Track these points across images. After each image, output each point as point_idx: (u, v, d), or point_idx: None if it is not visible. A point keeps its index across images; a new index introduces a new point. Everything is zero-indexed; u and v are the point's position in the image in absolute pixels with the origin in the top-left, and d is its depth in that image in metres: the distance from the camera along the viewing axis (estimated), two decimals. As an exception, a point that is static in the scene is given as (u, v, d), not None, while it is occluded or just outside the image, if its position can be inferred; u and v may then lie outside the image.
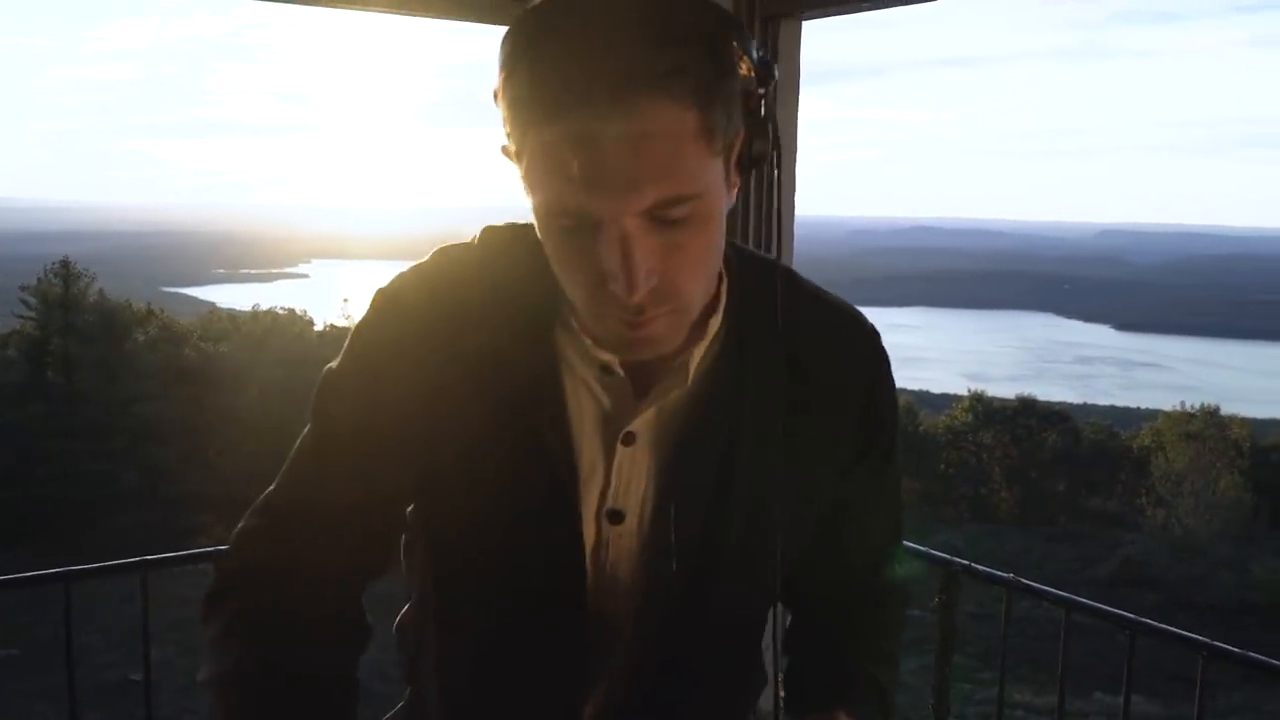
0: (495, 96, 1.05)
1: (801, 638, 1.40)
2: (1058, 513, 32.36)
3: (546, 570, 1.21)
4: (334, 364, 1.24)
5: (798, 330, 1.21)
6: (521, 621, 1.24)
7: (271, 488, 1.25)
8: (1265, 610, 23.93)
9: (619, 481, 1.21)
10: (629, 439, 1.19)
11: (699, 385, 1.19)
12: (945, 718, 3.33)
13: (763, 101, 1.07)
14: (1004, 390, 39.31)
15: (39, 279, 31.48)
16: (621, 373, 1.17)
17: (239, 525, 1.24)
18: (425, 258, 1.24)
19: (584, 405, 1.19)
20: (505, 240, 1.22)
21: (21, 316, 31.69)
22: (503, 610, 1.24)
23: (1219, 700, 16.74)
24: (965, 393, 37.80)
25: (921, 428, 35.17)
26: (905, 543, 3.01)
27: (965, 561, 3.01)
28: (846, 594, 1.38)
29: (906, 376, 54.14)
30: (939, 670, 3.22)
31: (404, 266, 1.24)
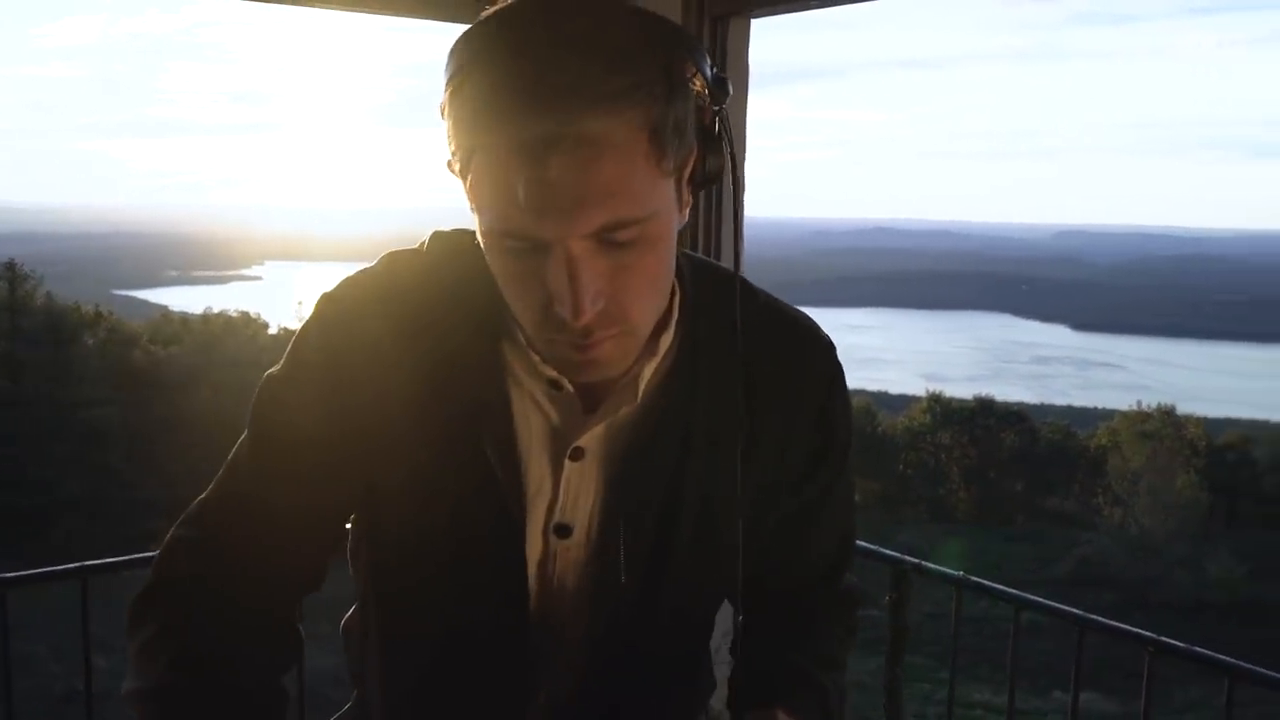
0: (441, 111, 1.01)
1: (749, 640, 1.34)
2: (1015, 512, 32.61)
3: (490, 585, 1.19)
4: (275, 369, 1.20)
5: (752, 343, 1.18)
6: (464, 633, 1.22)
7: (204, 495, 1.21)
8: (1221, 608, 24.23)
9: (567, 497, 1.19)
10: (577, 454, 1.17)
11: (650, 400, 1.17)
12: (898, 718, 3.28)
13: (717, 120, 1.04)
14: (962, 391, 39.55)
15: (-18, 282, 30.95)
16: (570, 388, 1.14)
17: (170, 533, 1.20)
18: (372, 263, 1.21)
19: (532, 420, 1.17)
20: (454, 247, 1.18)
21: (-36, 320, 31.14)
22: (445, 622, 1.23)
23: (1175, 697, 16.90)
24: (923, 394, 38.00)
25: (880, 429, 35.37)
26: (858, 542, 2.95)
27: (915, 560, 3.01)
28: (797, 600, 1.37)
29: (864, 377, 54.41)
30: (890, 670, 3.20)
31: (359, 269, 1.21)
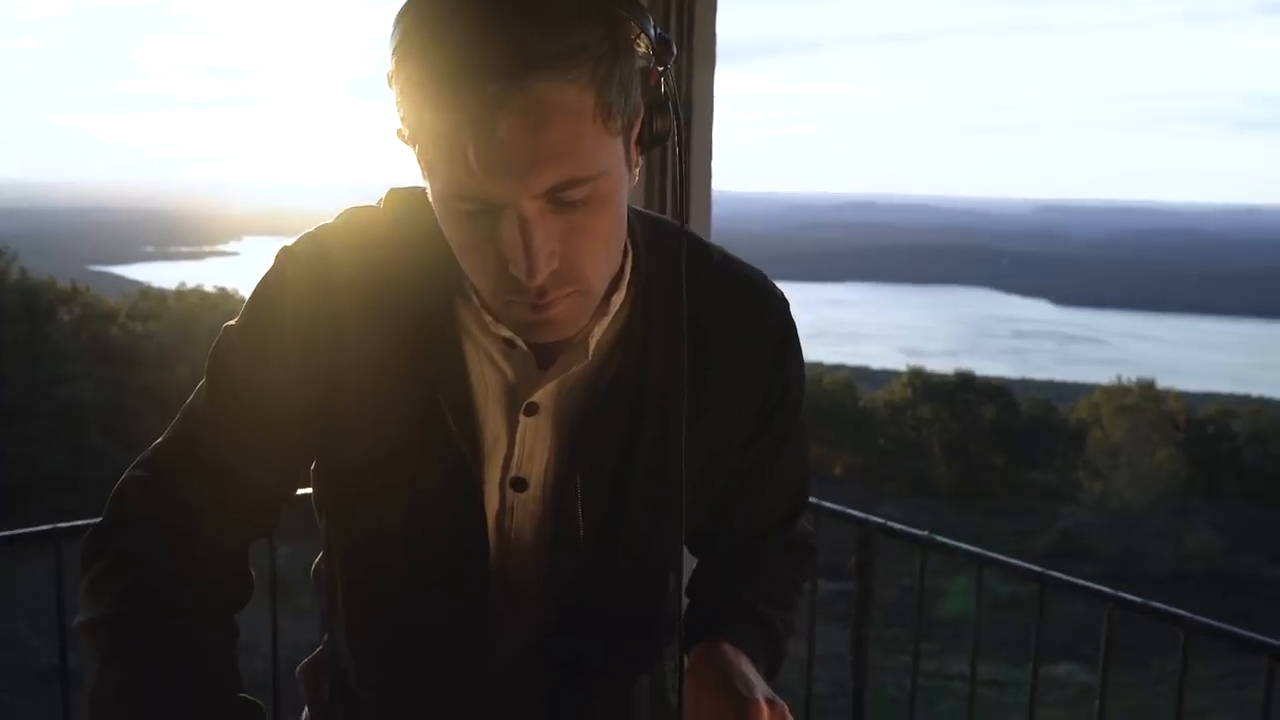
0: (388, 80, 1.03)
1: (701, 579, 1.42)
2: (996, 486, 32.75)
3: (448, 536, 1.22)
4: (233, 321, 1.23)
5: (703, 299, 1.22)
6: (424, 583, 1.25)
7: (159, 440, 1.23)
8: (1200, 580, 24.46)
9: (522, 451, 1.22)
10: (531, 409, 1.20)
11: (603, 358, 1.20)
12: (865, 681, 3.32)
13: (663, 79, 1.06)
14: (942, 365, 39.65)
15: (-44, 257, 30.67)
16: (524, 346, 1.16)
17: (124, 475, 1.22)
18: (330, 219, 1.23)
19: (487, 376, 1.20)
20: (411, 204, 1.20)
21: (-64, 296, 30.87)
22: (405, 572, 1.26)
23: (1152, 668, 17.08)
24: (904, 368, 38.08)
25: (860, 403, 35.46)
26: (826, 504, 2.99)
27: (881, 520, 3.08)
28: (751, 545, 1.41)
29: (845, 352, 54.49)
30: (856, 631, 3.28)
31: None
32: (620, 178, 1.06)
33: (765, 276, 1.32)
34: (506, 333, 1.16)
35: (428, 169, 1.05)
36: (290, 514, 1.38)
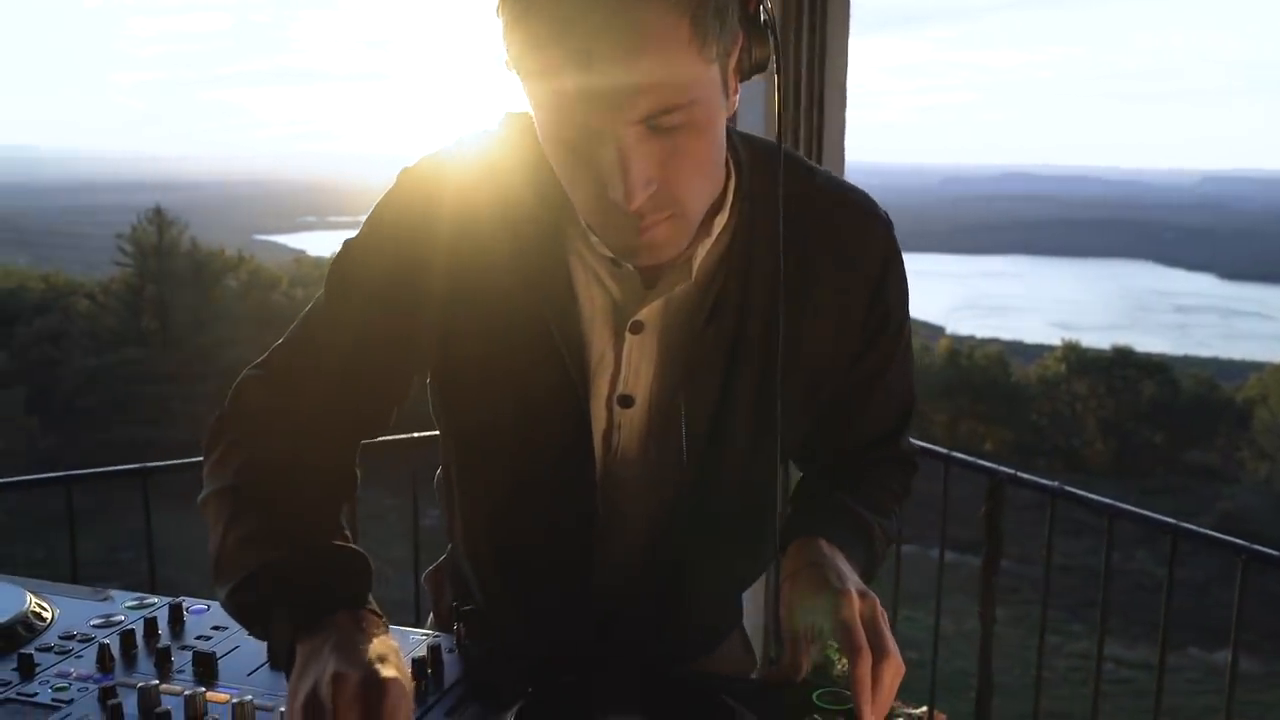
0: (496, 11, 1.06)
1: (803, 488, 1.46)
2: (1154, 465, 31.69)
3: (556, 450, 1.27)
4: (354, 236, 1.29)
5: (807, 220, 1.25)
6: (532, 496, 1.31)
7: (277, 343, 1.31)
8: (1372, 568, 23.26)
9: (628, 369, 1.26)
10: (637, 328, 1.24)
11: (707, 278, 1.23)
12: (991, 625, 3.34)
13: (761, 7, 1.09)
14: (1099, 340, 38.48)
15: (133, 227, 32.13)
16: (630, 266, 1.20)
17: (242, 373, 1.30)
18: (450, 143, 1.28)
19: (594, 295, 1.24)
20: (524, 128, 1.23)
21: (119, 264, 32.39)
22: (514, 485, 1.32)
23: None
24: (1059, 342, 37.08)
25: (1013, 378, 34.67)
26: (956, 454, 2.98)
27: (1010, 470, 3.08)
28: (853, 459, 1.45)
29: (998, 325, 53.24)
30: (985, 577, 3.25)
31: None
32: (717, 104, 1.07)
33: (870, 198, 1.33)
34: (611, 253, 1.20)
35: (532, 99, 1.09)
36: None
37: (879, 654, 1.12)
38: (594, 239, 1.20)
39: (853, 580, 1.19)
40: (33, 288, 34.93)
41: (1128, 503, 2.95)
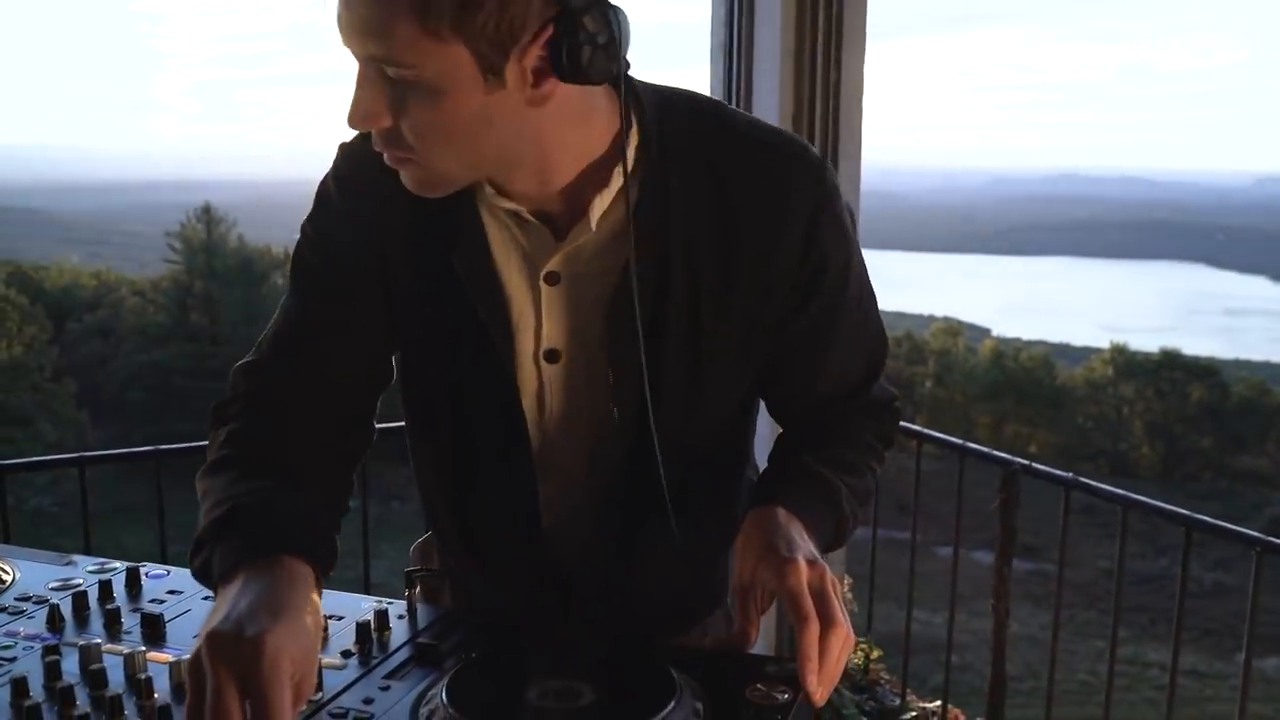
0: None
1: (774, 450, 1.42)
2: (1202, 470, 31.26)
3: (492, 413, 1.31)
4: (305, 217, 1.34)
5: (729, 168, 1.24)
6: (476, 464, 1.35)
7: (264, 333, 1.36)
8: None
9: (549, 322, 1.27)
10: (552, 279, 1.25)
11: (618, 227, 1.22)
12: (1005, 619, 3.34)
13: (587, 19, 1.08)
14: (1147, 343, 37.95)
15: (181, 224, 32.52)
16: (530, 217, 1.23)
17: (235, 365, 1.35)
18: None
19: (509, 248, 1.26)
20: None
21: (168, 261, 32.79)
22: (460, 454, 1.36)
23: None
24: (1106, 345, 36.66)
25: (1058, 380, 34.34)
26: (970, 445, 2.95)
27: (1024, 461, 3.11)
28: (824, 414, 1.41)
29: (1044, 327, 52.72)
30: (999, 568, 3.23)
31: None
32: (463, 82, 1.09)
33: (799, 140, 1.32)
34: (511, 205, 1.22)
35: None
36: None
37: (827, 623, 1.10)
38: (489, 190, 1.23)
39: (803, 549, 1.17)
40: (84, 284, 35.43)
41: (1174, 506, 2.92)
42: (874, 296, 1.40)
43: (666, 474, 1.26)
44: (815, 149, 1.31)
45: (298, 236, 1.34)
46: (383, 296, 1.30)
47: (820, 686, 1.09)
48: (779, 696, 1.08)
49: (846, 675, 3.88)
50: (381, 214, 1.27)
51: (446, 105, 1.10)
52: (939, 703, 3.76)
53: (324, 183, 1.33)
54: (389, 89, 1.10)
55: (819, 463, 1.33)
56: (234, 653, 0.94)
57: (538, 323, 1.27)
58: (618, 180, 1.21)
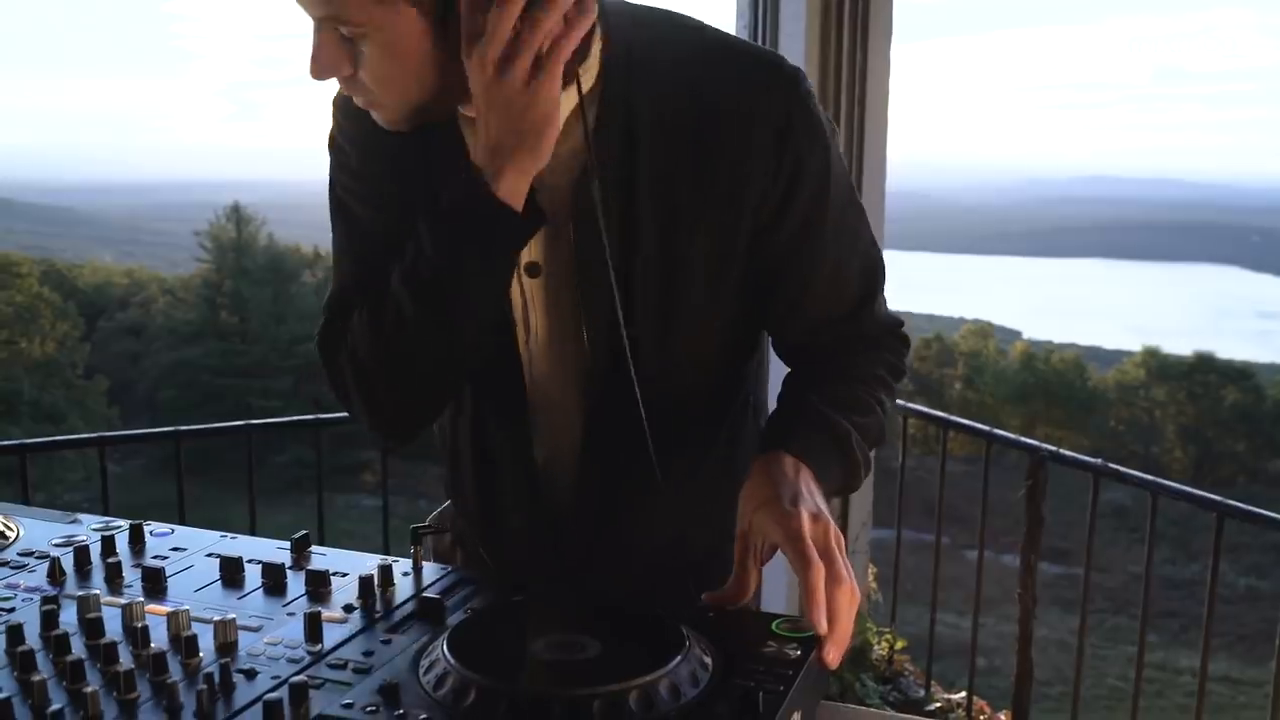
0: None
1: (782, 389, 1.38)
2: (1235, 474, 30.95)
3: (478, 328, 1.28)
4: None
5: (702, 76, 1.23)
6: (473, 387, 1.37)
7: (327, 293, 1.39)
8: None
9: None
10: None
11: (580, 144, 1.21)
12: (1032, 607, 3.24)
13: None
14: (1180, 346, 37.61)
15: (210, 223, 32.73)
16: None
17: (319, 330, 1.37)
18: None
19: None
20: None
21: (199, 260, 33.02)
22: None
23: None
24: (1138, 348, 36.36)
25: (1090, 383, 34.09)
26: (997, 431, 2.95)
27: (1052, 448, 3.11)
28: (826, 344, 1.38)
29: (1075, 330, 52.38)
30: (1025, 556, 3.21)
31: None
32: (413, 38, 1.13)
33: (773, 52, 1.31)
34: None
35: None
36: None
37: (832, 580, 1.07)
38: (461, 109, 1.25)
39: (808, 502, 1.14)
40: (116, 283, 35.72)
41: (1208, 512, 2.87)
42: (862, 211, 1.37)
43: (649, 407, 1.24)
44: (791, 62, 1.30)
45: (328, 196, 1.38)
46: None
47: (833, 646, 1.06)
48: (791, 653, 1.05)
49: (870, 665, 3.85)
50: (382, 143, 1.28)
51: (399, 56, 1.15)
52: (963, 694, 3.72)
53: (330, 137, 1.37)
54: (345, 44, 1.15)
55: (826, 403, 1.29)
56: None
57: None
58: (567, 104, 1.20)
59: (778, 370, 1.45)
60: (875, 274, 1.39)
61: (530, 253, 1.27)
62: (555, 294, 1.29)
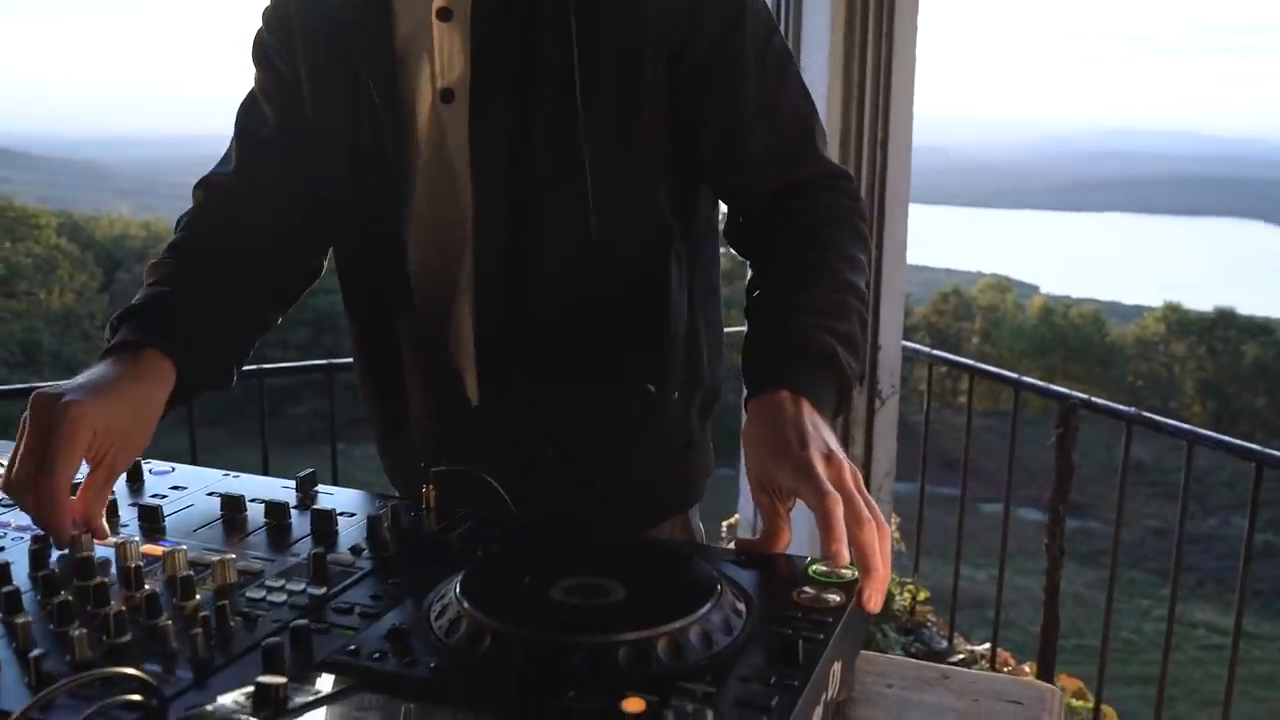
0: None
1: (751, 292, 1.29)
2: (1255, 430, 30.79)
3: (397, 160, 1.32)
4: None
5: None
6: (350, 207, 1.39)
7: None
8: None
9: (442, 59, 1.29)
10: (444, 14, 1.28)
11: None
12: (1059, 557, 3.29)
13: None
14: (1201, 301, 37.34)
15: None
16: None
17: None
18: None
19: None
20: None
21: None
22: (358, 207, 1.38)
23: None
24: (1158, 303, 36.11)
25: (1108, 338, 33.90)
26: (1026, 379, 2.89)
27: (1084, 395, 3.12)
28: (781, 205, 1.32)
29: (1095, 285, 52.08)
30: (1054, 506, 3.15)
31: None
32: None
33: None
34: None
35: None
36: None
37: (857, 520, 0.98)
38: None
39: (817, 442, 1.06)
40: (134, 235, 35.70)
41: (1226, 467, 2.83)
42: (790, 57, 1.36)
43: (551, 232, 1.30)
44: None
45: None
46: (303, 83, 1.38)
47: (873, 589, 0.98)
48: (831, 599, 0.97)
49: (893, 616, 3.80)
50: (296, 9, 1.37)
51: None
52: (987, 645, 3.66)
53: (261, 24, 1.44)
54: None
55: (804, 317, 1.20)
56: (44, 414, 1.07)
57: (432, 62, 1.30)
58: None
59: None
60: (811, 113, 1.36)
61: (443, 78, 1.30)
62: (469, 122, 1.29)
